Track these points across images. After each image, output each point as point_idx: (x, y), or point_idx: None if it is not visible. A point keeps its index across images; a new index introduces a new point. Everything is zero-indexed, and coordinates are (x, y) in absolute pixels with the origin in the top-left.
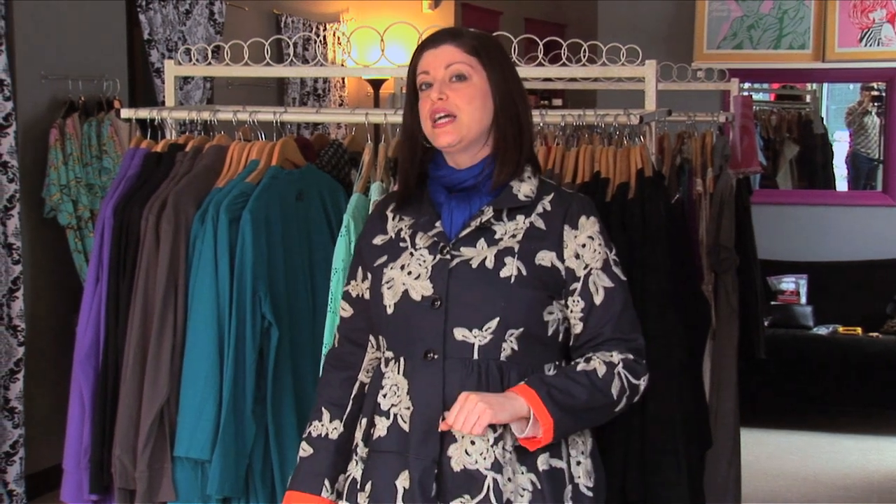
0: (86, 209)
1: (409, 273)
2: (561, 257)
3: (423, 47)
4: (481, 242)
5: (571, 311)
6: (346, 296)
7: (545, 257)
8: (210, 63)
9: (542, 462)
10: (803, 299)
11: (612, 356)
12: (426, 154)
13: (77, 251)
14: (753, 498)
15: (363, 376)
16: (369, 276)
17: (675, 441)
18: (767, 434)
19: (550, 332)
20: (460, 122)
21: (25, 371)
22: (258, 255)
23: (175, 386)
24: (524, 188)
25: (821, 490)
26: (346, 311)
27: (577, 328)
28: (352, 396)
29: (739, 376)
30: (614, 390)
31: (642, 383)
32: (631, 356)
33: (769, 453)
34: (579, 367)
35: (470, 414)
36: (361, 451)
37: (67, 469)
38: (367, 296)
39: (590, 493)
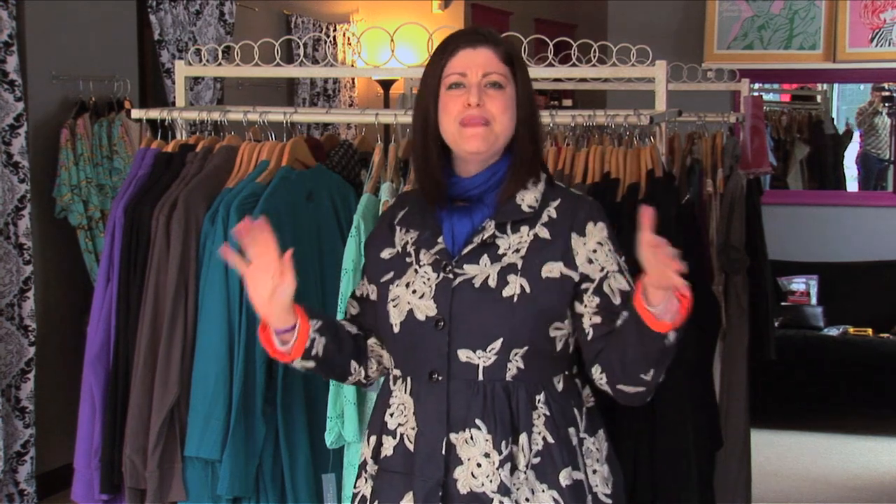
0: (96, 209)
1: (414, 292)
2: (572, 265)
3: (457, 44)
4: (484, 259)
5: (586, 306)
6: (353, 295)
7: (553, 269)
8: (220, 63)
9: (565, 477)
10: (814, 300)
11: None
12: (442, 153)
13: (88, 251)
14: (763, 498)
15: (371, 344)
16: (375, 287)
17: (685, 443)
18: (778, 435)
19: (559, 347)
20: (492, 130)
21: (36, 371)
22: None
23: (185, 386)
24: (528, 197)
25: (831, 491)
26: (355, 308)
27: (596, 319)
28: (354, 337)
29: (750, 377)
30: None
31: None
32: None
33: (779, 454)
34: None
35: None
36: (371, 468)
37: (78, 469)
38: (372, 297)
39: (609, 501)
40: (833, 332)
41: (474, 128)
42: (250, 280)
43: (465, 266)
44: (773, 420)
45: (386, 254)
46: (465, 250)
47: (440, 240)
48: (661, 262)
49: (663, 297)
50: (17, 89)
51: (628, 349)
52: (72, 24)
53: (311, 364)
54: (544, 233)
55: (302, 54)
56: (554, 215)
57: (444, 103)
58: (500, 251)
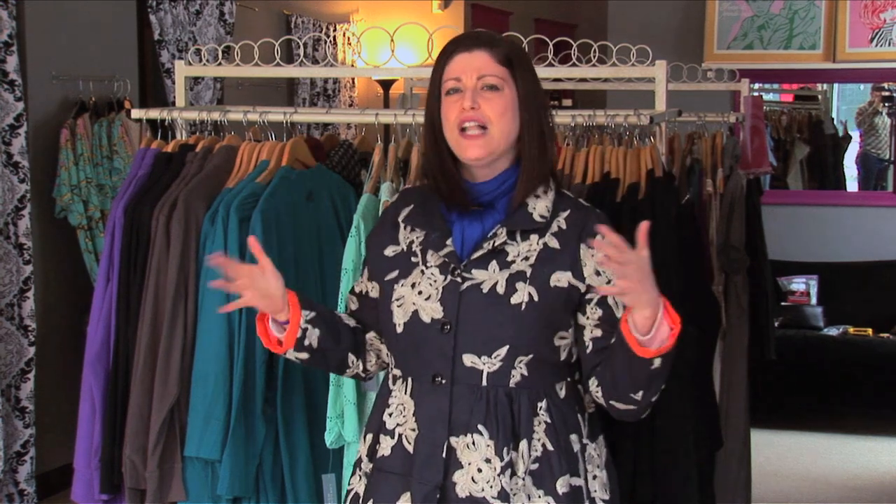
0: (96, 209)
1: (420, 293)
2: (580, 276)
3: (454, 49)
4: (493, 265)
5: (588, 318)
6: (352, 290)
7: (561, 278)
8: (220, 63)
9: (562, 484)
10: (814, 300)
11: None
12: (453, 157)
13: (88, 251)
14: (763, 498)
15: (370, 338)
16: (377, 285)
17: (685, 443)
18: (777, 435)
19: (563, 356)
20: (490, 135)
21: (36, 371)
22: (268, 255)
23: (185, 386)
24: (540, 206)
25: (831, 491)
26: (354, 303)
27: (596, 332)
28: (353, 330)
29: (749, 377)
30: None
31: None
32: None
33: (779, 454)
34: None
35: (627, 264)
36: (365, 466)
37: (78, 469)
38: (372, 294)
39: None
40: (833, 332)
41: (472, 139)
42: (251, 302)
43: (473, 271)
44: (772, 420)
45: (390, 251)
46: (475, 255)
47: (449, 242)
48: (615, 269)
49: (650, 324)
50: (17, 89)
51: (616, 369)
52: (72, 24)
53: (304, 355)
54: (553, 242)
55: (302, 54)
56: (563, 226)
57: (444, 110)
58: (510, 258)
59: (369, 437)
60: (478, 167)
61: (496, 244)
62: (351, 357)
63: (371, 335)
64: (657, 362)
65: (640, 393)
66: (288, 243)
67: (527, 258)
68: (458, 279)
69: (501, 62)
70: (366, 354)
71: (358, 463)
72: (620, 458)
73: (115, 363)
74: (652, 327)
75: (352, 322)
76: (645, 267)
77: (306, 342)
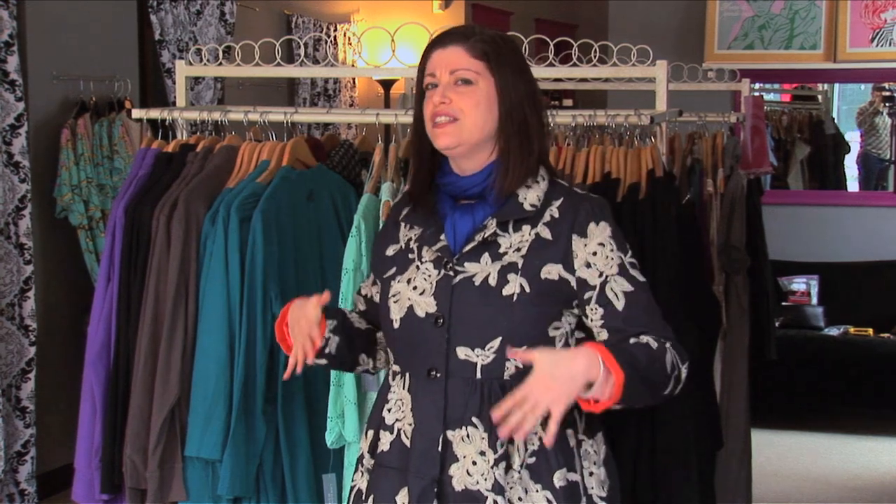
0: (97, 209)
1: (415, 288)
2: (570, 268)
3: (432, 46)
4: (485, 257)
5: (591, 321)
6: (359, 292)
7: (552, 270)
8: (221, 63)
9: (559, 478)
10: (814, 300)
11: (657, 338)
12: (435, 155)
13: (88, 251)
14: (764, 498)
15: (380, 337)
16: (378, 284)
17: (685, 443)
18: (778, 435)
19: (558, 346)
20: (461, 125)
21: (37, 371)
22: (269, 255)
23: (186, 386)
24: (530, 196)
25: (831, 491)
26: (362, 304)
27: (603, 335)
28: (366, 332)
29: (750, 377)
30: (668, 364)
31: (684, 370)
32: (671, 342)
33: (780, 454)
34: (631, 341)
35: (522, 419)
36: (367, 462)
37: (78, 469)
38: (376, 298)
39: None
40: (833, 332)
41: (442, 127)
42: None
43: (465, 264)
44: (773, 420)
45: (391, 250)
46: (467, 248)
47: (442, 237)
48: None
49: (586, 389)
50: (18, 89)
51: None
52: (72, 24)
53: (323, 361)
54: (546, 233)
55: (302, 54)
56: (556, 215)
57: (424, 106)
58: (502, 250)
59: (370, 433)
60: (459, 158)
61: (486, 236)
62: (362, 356)
63: (380, 334)
64: (617, 407)
65: (635, 406)
66: (288, 243)
67: (519, 249)
68: (451, 273)
69: (477, 56)
70: (376, 353)
71: (360, 459)
72: (621, 458)
73: (116, 363)
74: (590, 389)
75: (363, 324)
76: (544, 378)
77: (327, 350)
